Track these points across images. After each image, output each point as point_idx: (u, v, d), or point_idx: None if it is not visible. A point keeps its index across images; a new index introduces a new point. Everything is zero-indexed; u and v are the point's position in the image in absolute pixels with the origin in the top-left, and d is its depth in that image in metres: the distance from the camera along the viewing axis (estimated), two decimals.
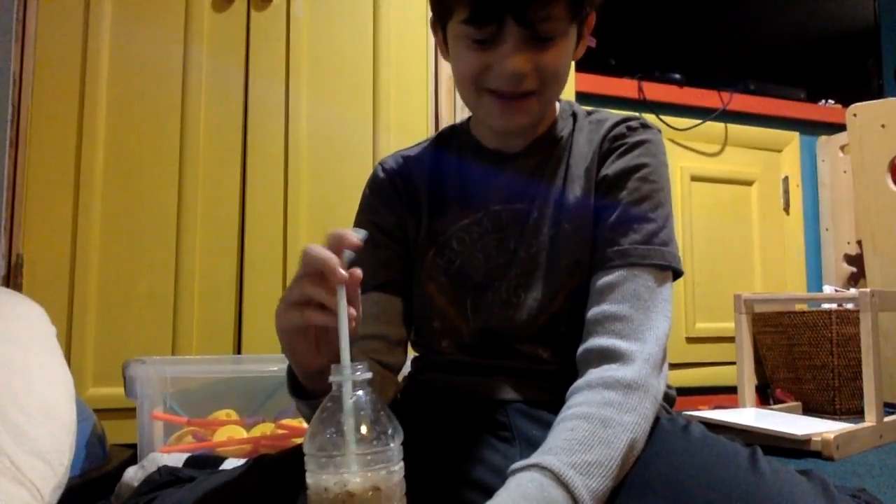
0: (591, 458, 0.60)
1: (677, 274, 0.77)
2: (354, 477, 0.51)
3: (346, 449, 0.51)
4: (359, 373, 0.53)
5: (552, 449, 0.61)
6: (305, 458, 0.53)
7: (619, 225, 0.76)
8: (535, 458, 0.60)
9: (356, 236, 0.58)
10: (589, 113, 0.86)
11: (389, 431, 0.53)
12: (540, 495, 0.56)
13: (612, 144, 0.80)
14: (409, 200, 0.86)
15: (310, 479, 0.53)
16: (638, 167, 0.78)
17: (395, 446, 0.53)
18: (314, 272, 0.58)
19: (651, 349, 0.69)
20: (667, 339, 0.72)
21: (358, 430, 0.52)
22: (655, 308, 0.72)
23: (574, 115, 0.86)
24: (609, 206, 0.78)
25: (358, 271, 0.58)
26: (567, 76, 0.80)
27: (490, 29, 0.72)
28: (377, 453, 0.52)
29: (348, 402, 0.53)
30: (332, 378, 0.54)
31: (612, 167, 0.79)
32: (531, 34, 0.72)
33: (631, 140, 0.80)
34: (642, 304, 0.71)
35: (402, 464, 0.54)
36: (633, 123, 0.82)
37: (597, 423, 0.63)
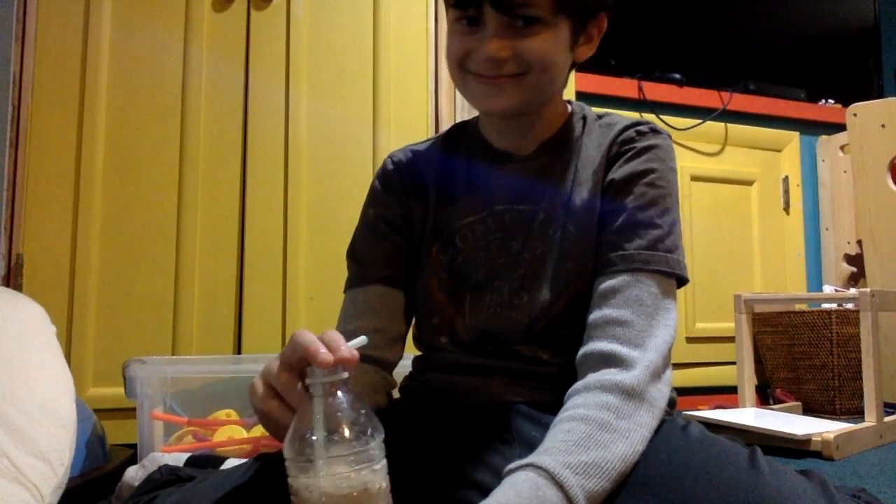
0: (587, 459, 0.60)
1: (682, 281, 0.76)
2: (335, 478, 0.51)
3: (321, 451, 0.51)
4: (335, 375, 0.53)
5: (548, 449, 0.61)
6: (286, 462, 0.53)
7: (624, 229, 0.76)
8: (530, 458, 0.60)
9: (353, 350, 0.54)
10: (599, 116, 0.86)
11: (369, 431, 0.52)
12: (534, 494, 0.56)
13: (620, 148, 0.80)
14: (417, 194, 0.86)
15: (291, 482, 0.53)
16: (646, 172, 0.78)
17: (376, 445, 0.53)
18: (291, 359, 0.56)
19: (651, 357, 0.69)
20: (669, 347, 0.71)
21: (338, 430, 0.51)
22: (657, 315, 0.71)
23: (584, 119, 0.85)
24: (615, 210, 0.77)
25: (355, 354, 0.54)
26: (561, 69, 0.79)
27: (471, 12, 0.74)
28: (358, 453, 0.52)
29: (319, 406, 0.52)
30: (307, 381, 0.53)
31: (619, 171, 0.79)
32: (511, 20, 0.73)
33: (640, 145, 0.80)
34: (645, 310, 0.71)
35: (384, 462, 0.54)
36: (642, 128, 0.81)
37: (594, 425, 0.63)
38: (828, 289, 2.26)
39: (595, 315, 0.73)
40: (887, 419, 1.67)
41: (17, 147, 1.54)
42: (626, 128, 0.81)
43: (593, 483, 0.59)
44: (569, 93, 1.85)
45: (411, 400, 0.85)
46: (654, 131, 0.81)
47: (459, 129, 0.91)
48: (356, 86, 1.77)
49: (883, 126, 2.15)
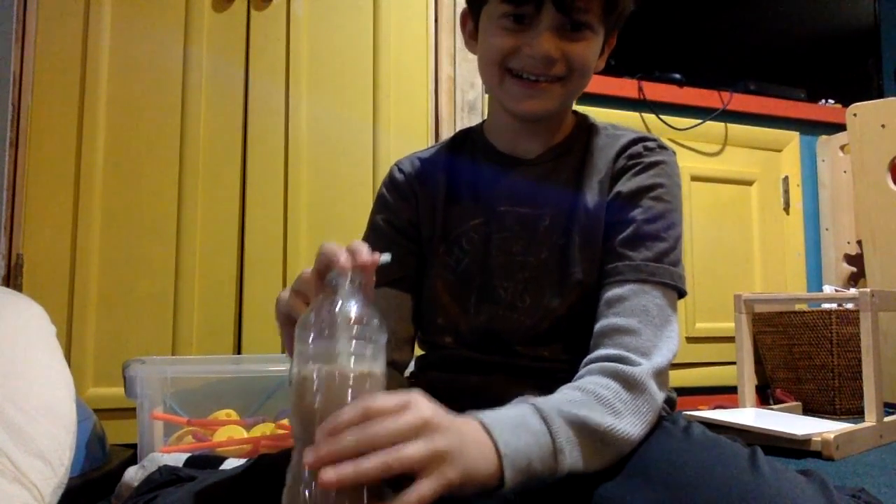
0: (579, 413, 0.61)
1: (682, 295, 0.78)
2: (352, 359, 0.53)
3: (342, 333, 0.53)
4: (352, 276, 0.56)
5: (543, 400, 0.63)
6: (297, 345, 0.55)
7: (631, 240, 0.77)
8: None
9: (377, 255, 0.59)
10: (604, 126, 0.88)
11: (376, 322, 0.55)
12: (520, 418, 0.59)
13: (627, 162, 0.81)
14: (424, 199, 0.87)
15: (301, 367, 0.54)
16: (653, 186, 0.79)
17: (378, 342, 0.55)
18: (319, 266, 0.59)
19: (658, 361, 0.70)
20: (673, 357, 0.72)
21: (344, 320, 0.54)
22: (663, 326, 0.73)
23: (590, 128, 0.87)
24: (623, 221, 0.78)
25: (376, 256, 0.59)
26: (591, 76, 0.81)
27: (528, 8, 0.75)
28: (360, 344, 0.54)
29: (346, 287, 0.56)
30: (326, 278, 0.57)
31: (627, 184, 0.80)
32: (566, 22, 0.75)
33: (647, 160, 0.81)
34: (651, 321, 0.72)
35: (383, 360, 0.56)
36: (650, 144, 0.83)
37: (591, 395, 0.64)
38: (828, 289, 2.26)
39: (602, 323, 0.74)
40: (887, 419, 1.67)
41: (17, 147, 1.54)
42: (634, 141, 0.83)
43: (577, 434, 0.61)
44: None
45: None
46: (662, 147, 0.83)
47: (464, 134, 0.93)
48: (356, 86, 1.77)
49: (883, 126, 2.15)
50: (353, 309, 0.54)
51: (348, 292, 0.56)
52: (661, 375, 0.70)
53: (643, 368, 0.68)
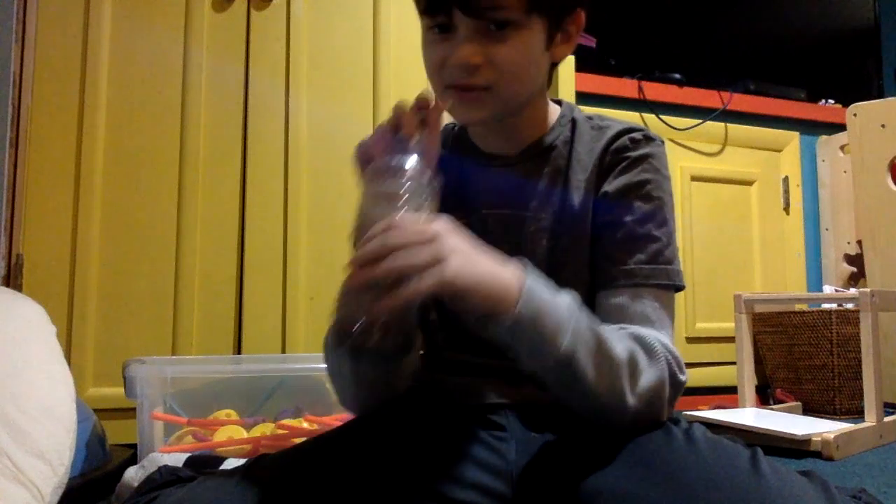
0: (604, 333, 0.66)
1: (679, 289, 0.77)
2: (403, 198, 0.64)
3: (397, 179, 0.65)
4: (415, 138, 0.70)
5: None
6: (363, 187, 0.67)
7: (623, 243, 0.76)
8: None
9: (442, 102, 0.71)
10: (590, 118, 0.85)
11: (427, 173, 0.67)
12: (556, 291, 0.65)
13: (614, 157, 0.79)
14: None
15: (364, 202, 0.66)
16: (641, 184, 0.77)
17: (432, 186, 0.67)
18: (393, 124, 0.70)
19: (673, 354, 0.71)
20: (680, 356, 0.73)
21: (409, 169, 0.66)
22: (663, 329, 0.73)
23: (573, 121, 0.84)
24: (612, 223, 0.77)
25: (441, 104, 0.72)
26: (535, 73, 0.77)
27: (441, 19, 0.73)
28: (419, 187, 0.65)
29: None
30: (398, 136, 0.70)
31: (614, 183, 0.78)
32: (483, 24, 0.71)
33: (634, 154, 0.79)
34: (651, 326, 0.73)
35: (429, 200, 0.67)
36: (636, 136, 0.80)
37: (617, 334, 0.68)
38: (828, 289, 2.26)
39: None
40: (887, 419, 1.67)
41: (17, 147, 1.54)
42: (620, 134, 0.80)
43: (591, 340, 0.65)
44: (569, 93, 1.86)
45: (408, 401, 0.85)
46: (648, 138, 0.80)
47: (448, 131, 0.91)
48: (356, 86, 1.77)
49: (883, 126, 2.15)
50: (410, 162, 0.66)
51: (410, 148, 0.68)
52: (674, 368, 0.71)
53: (663, 347, 0.70)
